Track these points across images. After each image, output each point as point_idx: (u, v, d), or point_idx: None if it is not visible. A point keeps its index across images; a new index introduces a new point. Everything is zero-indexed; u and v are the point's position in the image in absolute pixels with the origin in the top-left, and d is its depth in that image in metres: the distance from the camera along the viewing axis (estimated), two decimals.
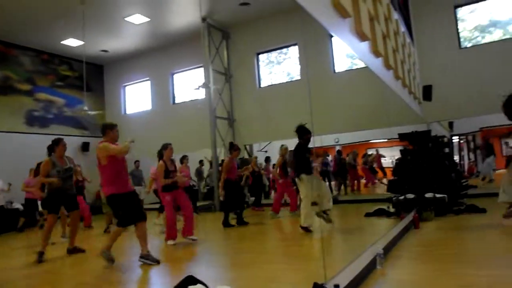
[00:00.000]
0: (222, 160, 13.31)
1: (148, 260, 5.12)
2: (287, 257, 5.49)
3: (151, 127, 15.44)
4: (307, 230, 6.65)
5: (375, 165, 16.31)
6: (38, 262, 5.79)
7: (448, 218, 7.11)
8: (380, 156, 16.64)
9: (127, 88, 17.51)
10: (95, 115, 16.43)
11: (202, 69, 14.26)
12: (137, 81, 17.08)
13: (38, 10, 11.88)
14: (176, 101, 16.13)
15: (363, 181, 15.54)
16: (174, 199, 6.66)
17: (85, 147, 15.67)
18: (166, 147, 6.81)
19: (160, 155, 6.90)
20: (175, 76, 16.26)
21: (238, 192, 8.69)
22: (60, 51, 15.35)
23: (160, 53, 15.94)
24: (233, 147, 8.80)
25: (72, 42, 14.40)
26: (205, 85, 12.93)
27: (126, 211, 5.22)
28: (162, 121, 15.51)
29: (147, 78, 16.70)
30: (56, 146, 6.24)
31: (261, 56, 14.79)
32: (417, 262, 4.45)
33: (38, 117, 14.88)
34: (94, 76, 17.06)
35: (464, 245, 5.32)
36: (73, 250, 6.36)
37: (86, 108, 13.74)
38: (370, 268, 3.88)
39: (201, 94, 14.30)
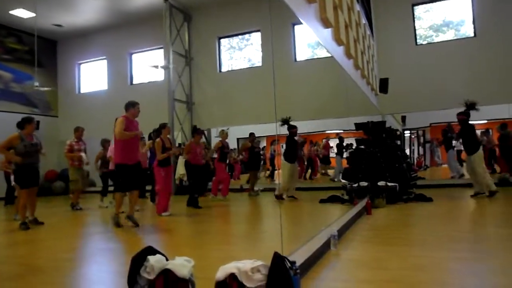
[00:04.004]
0: (179, 144, 13.22)
1: (130, 220, 6.14)
2: (243, 238, 5.55)
3: (107, 107, 14.92)
4: (280, 198, 9.00)
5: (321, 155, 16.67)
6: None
7: (398, 205, 7.44)
8: (329, 145, 16.95)
9: (82, 66, 16.82)
10: (46, 93, 15.71)
11: (162, 50, 13.95)
12: (93, 59, 16.43)
13: None
14: (134, 82, 15.70)
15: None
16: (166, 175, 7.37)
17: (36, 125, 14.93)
18: (164, 126, 7.54)
19: (158, 134, 7.60)
20: (133, 56, 15.80)
21: (203, 176, 8.83)
22: (7, 22, 14.39)
23: (119, 31, 15.39)
24: (196, 131, 8.78)
25: (22, 13, 13.53)
26: (165, 67, 12.67)
27: (125, 179, 6.12)
28: (118, 102, 14.85)
29: (104, 57, 16.10)
30: (27, 124, 6.52)
31: (222, 41, 14.65)
32: (368, 244, 4.62)
33: None
34: (46, 51, 16.22)
35: (411, 230, 5.65)
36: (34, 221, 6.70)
37: (37, 84, 13.07)
38: (324, 249, 3.98)
39: (160, 76, 14.02)
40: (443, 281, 3.05)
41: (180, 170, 11.99)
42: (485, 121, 14.61)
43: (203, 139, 14.18)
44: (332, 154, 16.42)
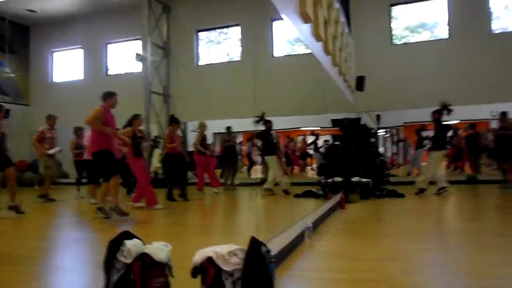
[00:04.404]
0: (155, 137, 13.09)
1: (116, 211, 5.97)
2: (220, 229, 5.60)
3: (82, 97, 14.60)
4: (270, 190, 9.10)
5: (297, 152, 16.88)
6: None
7: (372, 200, 7.61)
8: (306, 142, 17.15)
9: (56, 54, 16.40)
10: (18, 81, 15.27)
11: (139, 41, 13.75)
12: (68, 48, 16.03)
13: None
14: (110, 73, 15.43)
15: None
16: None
17: (5, 113, 14.50)
18: (136, 117, 7.30)
19: (129, 125, 7.26)
20: (109, 46, 15.51)
21: (180, 166, 8.64)
22: None
23: (95, 20, 15.07)
24: (173, 120, 8.68)
25: None
26: (143, 58, 12.51)
27: (107, 165, 5.96)
28: (93, 92, 14.54)
29: (79, 46, 15.75)
30: None
31: (201, 34, 14.56)
32: (342, 237, 4.72)
33: None
34: (18, 37, 15.71)
35: (383, 223, 5.83)
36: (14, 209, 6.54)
37: (8, 70, 12.70)
38: (299, 240, 4.05)
39: (137, 67, 13.82)
40: (412, 270, 3.17)
41: (156, 162, 11.88)
42: (457, 121, 15.02)
43: (180, 133, 14.14)
44: (311, 151, 16.63)
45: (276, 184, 9.22)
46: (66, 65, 16.19)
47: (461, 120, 14.53)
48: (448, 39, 11.98)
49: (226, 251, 1.87)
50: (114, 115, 6.39)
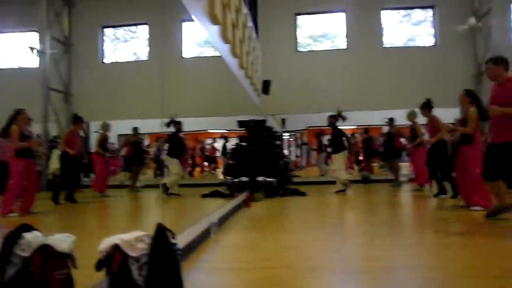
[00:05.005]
0: (54, 137, 12.27)
1: None
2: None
3: None
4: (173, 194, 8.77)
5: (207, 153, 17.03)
6: None
7: (276, 199, 7.96)
8: (214, 148, 17.37)
9: None
10: None
11: (36, 33, 12.81)
12: None
13: None
14: (1, 67, 14.14)
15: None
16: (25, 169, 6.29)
17: None
18: (19, 112, 6.39)
19: (12, 120, 6.34)
20: (1, 36, 14.22)
21: (77, 168, 8.19)
22: None
23: None
24: (78, 119, 8.17)
25: None
26: (40, 52, 11.68)
27: None
28: None
29: None
30: None
31: (107, 31, 14.00)
32: (246, 231, 4.92)
33: None
34: None
35: (285, 219, 6.18)
36: None
37: None
38: (205, 236, 4.14)
39: (33, 62, 12.85)
40: (310, 257, 3.44)
41: (54, 164, 11.14)
42: (354, 127, 16.24)
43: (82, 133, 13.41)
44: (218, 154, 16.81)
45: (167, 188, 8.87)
46: None
47: (357, 126, 15.77)
48: (346, 49, 12.98)
49: (133, 237, 1.90)
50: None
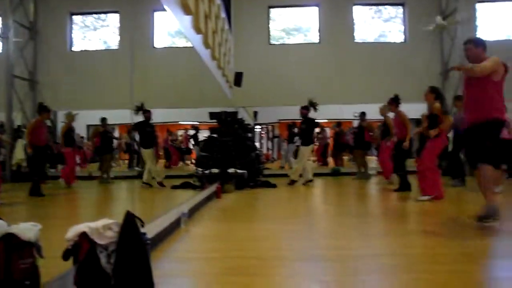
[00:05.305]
0: (19, 126, 11.89)
1: None
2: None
3: None
4: (149, 185, 8.55)
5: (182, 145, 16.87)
6: None
7: (246, 190, 8.02)
8: (187, 136, 17.21)
9: None
10: None
11: None
12: None
13: None
14: None
15: None
16: None
17: None
18: None
19: None
20: None
21: (43, 159, 7.94)
22: None
23: None
24: (44, 108, 7.89)
25: None
26: (3, 37, 11.25)
27: None
28: None
29: None
30: None
31: (75, 18, 13.63)
32: (216, 221, 4.96)
33: None
34: None
35: (255, 209, 6.28)
36: None
37: None
38: (175, 226, 4.14)
39: None
40: (278, 247, 3.51)
41: (19, 154, 10.81)
42: (325, 120, 16.45)
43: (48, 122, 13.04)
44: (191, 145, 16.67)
45: (153, 178, 9.02)
46: None
47: (328, 119, 15.98)
48: (318, 43, 13.11)
49: (101, 225, 1.90)
50: None
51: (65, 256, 2.03)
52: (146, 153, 8.96)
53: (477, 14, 12.94)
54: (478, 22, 12.91)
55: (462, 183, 7.80)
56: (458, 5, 11.85)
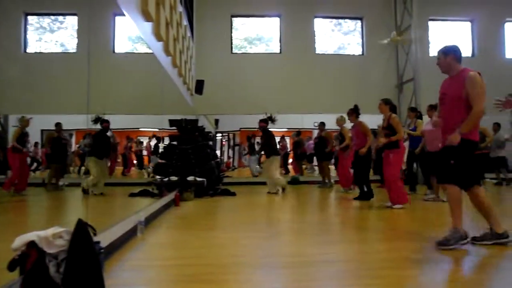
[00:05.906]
0: None
1: None
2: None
3: None
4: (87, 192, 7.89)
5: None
6: None
7: (205, 199, 7.97)
8: (150, 145, 16.95)
9: None
10: None
11: None
12: None
13: None
14: None
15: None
16: None
17: None
18: None
19: None
20: None
21: None
22: None
23: None
24: None
25: None
26: None
27: None
28: None
29: None
30: None
31: (30, 18, 13.14)
32: (174, 230, 4.89)
33: None
34: None
35: (214, 217, 6.23)
36: None
37: None
38: (131, 234, 4.07)
39: None
40: (236, 254, 3.52)
41: None
42: (285, 129, 16.64)
43: None
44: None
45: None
46: None
47: (288, 129, 16.18)
48: (279, 53, 13.29)
49: (51, 233, 1.85)
50: None
51: (11, 266, 1.94)
52: (93, 162, 8.66)
53: (429, 31, 13.56)
54: (430, 39, 13.52)
55: (413, 191, 8.14)
56: (412, 22, 12.39)
